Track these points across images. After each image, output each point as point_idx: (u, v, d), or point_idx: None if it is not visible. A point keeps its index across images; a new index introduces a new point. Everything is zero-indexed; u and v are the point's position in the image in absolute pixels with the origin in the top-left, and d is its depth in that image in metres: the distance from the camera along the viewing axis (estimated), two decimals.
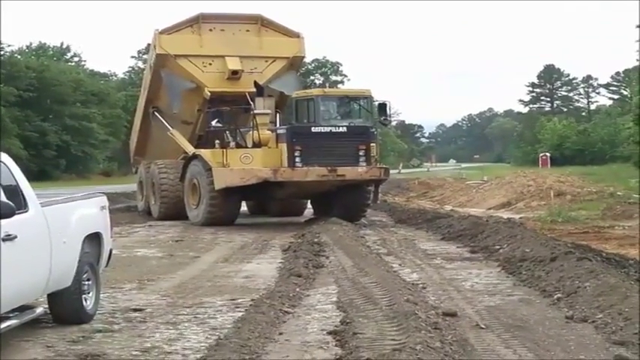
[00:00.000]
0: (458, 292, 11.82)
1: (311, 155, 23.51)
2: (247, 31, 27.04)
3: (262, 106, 25.11)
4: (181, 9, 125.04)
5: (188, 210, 25.39)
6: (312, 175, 23.34)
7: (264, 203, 28.96)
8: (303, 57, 29.39)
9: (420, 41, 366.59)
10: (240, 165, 23.92)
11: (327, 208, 25.29)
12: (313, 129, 24.06)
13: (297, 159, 23.53)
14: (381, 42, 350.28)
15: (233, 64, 26.17)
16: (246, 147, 24.98)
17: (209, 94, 26.08)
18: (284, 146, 23.88)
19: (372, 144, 24.28)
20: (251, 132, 24.87)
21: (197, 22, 26.69)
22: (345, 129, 24.13)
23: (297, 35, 27.54)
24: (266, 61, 26.77)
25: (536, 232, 19.00)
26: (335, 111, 25.44)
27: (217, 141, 25.04)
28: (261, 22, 27.07)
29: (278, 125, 25.16)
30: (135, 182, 31.77)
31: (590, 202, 30.80)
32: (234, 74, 26.10)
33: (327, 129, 24.01)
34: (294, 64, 28.00)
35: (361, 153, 23.97)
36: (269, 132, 24.64)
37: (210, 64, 26.52)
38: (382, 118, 26.28)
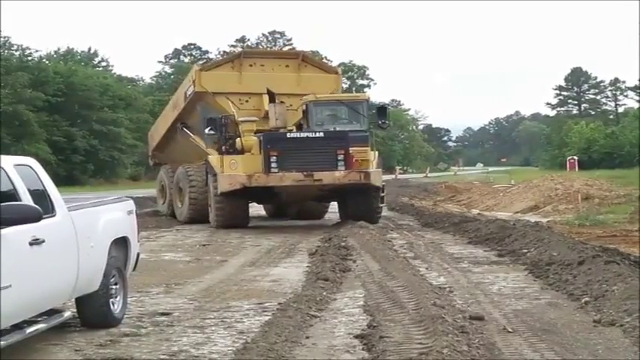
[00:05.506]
0: (485, 296, 11.78)
1: (287, 161, 23.73)
2: (287, 66, 27.37)
3: (274, 113, 25.55)
4: (210, 14, 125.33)
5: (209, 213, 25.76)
6: (287, 180, 23.58)
7: (281, 207, 29.12)
8: None
9: (447, 45, 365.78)
10: (229, 171, 24.27)
11: (345, 210, 25.53)
12: (288, 135, 24.49)
13: (274, 164, 23.75)
14: (408, 46, 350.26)
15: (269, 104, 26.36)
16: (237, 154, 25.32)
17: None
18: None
19: (350, 148, 24.20)
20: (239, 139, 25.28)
21: (238, 58, 27.08)
22: (322, 134, 24.28)
23: (335, 72, 27.92)
24: (301, 99, 26.90)
25: (564, 235, 18.85)
26: (328, 116, 25.64)
27: (224, 148, 25.32)
28: (301, 58, 27.34)
29: None
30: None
31: (619, 206, 30.62)
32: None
33: (304, 135, 24.34)
34: None
35: (340, 157, 24.05)
36: (255, 138, 24.94)
37: (247, 101, 26.87)
38: (381, 122, 26.34)
